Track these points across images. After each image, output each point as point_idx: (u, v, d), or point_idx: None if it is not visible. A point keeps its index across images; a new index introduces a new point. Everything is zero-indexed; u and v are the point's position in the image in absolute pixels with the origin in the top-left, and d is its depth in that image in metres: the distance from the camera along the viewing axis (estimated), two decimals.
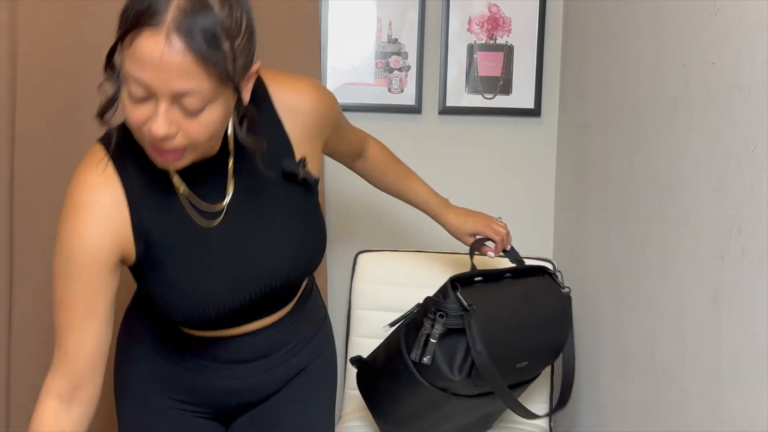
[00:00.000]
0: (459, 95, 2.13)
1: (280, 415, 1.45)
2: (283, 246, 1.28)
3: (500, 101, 2.13)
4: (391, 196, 1.77)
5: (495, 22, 2.11)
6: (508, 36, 2.12)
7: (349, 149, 1.58)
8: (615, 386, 1.68)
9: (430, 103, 2.14)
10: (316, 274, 2.08)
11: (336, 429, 1.95)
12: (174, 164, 1.12)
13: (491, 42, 2.12)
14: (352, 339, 2.00)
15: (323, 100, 1.32)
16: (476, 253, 1.69)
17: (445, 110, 2.13)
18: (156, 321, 1.36)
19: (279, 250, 1.28)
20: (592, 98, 1.89)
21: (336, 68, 2.10)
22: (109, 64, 1.08)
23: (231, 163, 1.22)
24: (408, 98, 2.12)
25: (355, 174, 1.68)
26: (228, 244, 1.24)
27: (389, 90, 2.12)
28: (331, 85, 2.10)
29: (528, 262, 2.02)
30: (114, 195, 1.18)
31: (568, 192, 2.08)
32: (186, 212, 1.21)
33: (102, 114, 1.12)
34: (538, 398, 1.97)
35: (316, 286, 1.54)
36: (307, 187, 1.29)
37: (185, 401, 1.40)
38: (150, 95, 1.03)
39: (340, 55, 2.10)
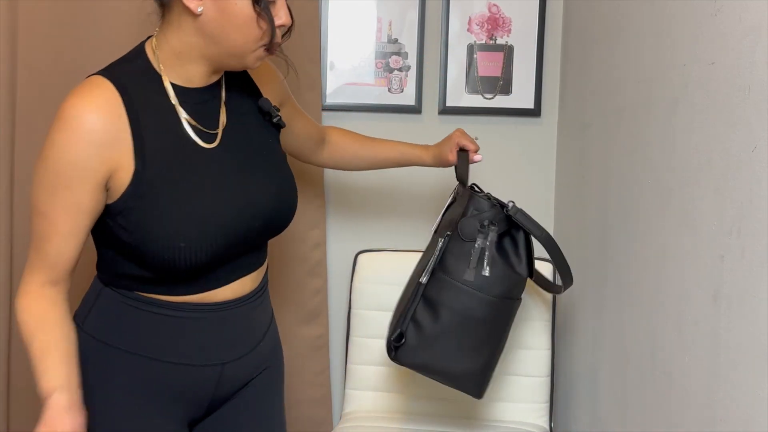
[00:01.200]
0: (459, 95, 2.13)
1: (240, 417, 1.47)
2: (269, 181, 1.39)
3: (500, 101, 2.13)
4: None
5: (495, 22, 2.11)
6: (508, 36, 2.12)
7: (307, 133, 1.67)
8: (615, 386, 1.68)
9: (430, 103, 2.14)
10: (316, 273, 2.10)
11: (335, 429, 1.95)
12: (264, 59, 1.32)
13: (491, 42, 2.12)
14: (353, 339, 2.00)
15: (275, 70, 1.54)
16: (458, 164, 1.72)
17: (445, 110, 2.13)
18: (130, 314, 1.34)
19: (265, 184, 1.38)
20: (592, 98, 1.89)
21: (336, 68, 2.10)
22: (259, 2, 1.24)
23: (223, 95, 1.37)
24: (408, 98, 2.12)
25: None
26: (222, 170, 1.33)
27: (389, 90, 2.12)
28: (331, 85, 2.10)
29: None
30: (113, 110, 1.23)
31: (568, 192, 2.08)
32: (184, 135, 1.30)
33: (273, 41, 1.29)
34: (537, 398, 1.97)
35: (269, 296, 1.54)
36: (278, 136, 1.46)
37: (163, 402, 1.37)
38: None
39: (340, 55, 2.10)
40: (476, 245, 1.55)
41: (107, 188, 1.25)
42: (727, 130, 1.21)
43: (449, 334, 1.58)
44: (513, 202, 1.57)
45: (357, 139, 1.77)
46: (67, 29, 1.86)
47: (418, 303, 1.59)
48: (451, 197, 1.73)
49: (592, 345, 1.84)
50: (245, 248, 1.38)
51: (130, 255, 1.30)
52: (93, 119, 1.21)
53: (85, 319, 1.37)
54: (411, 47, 2.11)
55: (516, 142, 2.17)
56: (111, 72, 1.28)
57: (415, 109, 2.13)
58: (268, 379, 1.52)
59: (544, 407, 1.98)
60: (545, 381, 1.98)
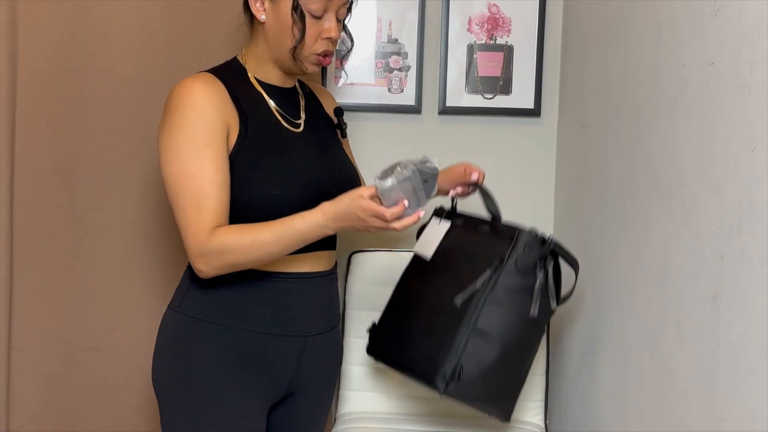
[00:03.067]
0: (459, 95, 2.13)
1: (308, 404, 1.63)
2: (342, 164, 1.64)
3: (500, 101, 2.13)
4: None
5: (495, 22, 2.11)
6: (508, 36, 2.12)
7: None
8: (615, 386, 1.68)
9: (430, 103, 2.14)
10: None
11: (333, 430, 1.95)
12: (320, 67, 1.57)
13: (491, 42, 2.12)
14: (348, 340, 1.99)
15: (334, 100, 1.79)
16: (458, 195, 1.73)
17: (445, 110, 2.13)
18: (223, 289, 1.49)
19: (340, 165, 1.62)
20: (592, 98, 1.89)
21: (336, 68, 2.10)
22: (296, 11, 1.49)
23: (302, 100, 1.65)
24: (408, 98, 2.12)
25: None
26: (306, 146, 1.58)
27: (389, 90, 2.12)
28: (331, 85, 2.10)
29: None
30: (217, 86, 1.49)
31: (568, 192, 2.08)
32: (274, 117, 1.55)
33: (294, 49, 1.51)
34: (533, 396, 1.97)
35: (338, 288, 1.69)
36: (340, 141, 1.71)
37: (251, 377, 1.50)
38: (325, 11, 1.50)
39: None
40: (538, 282, 1.62)
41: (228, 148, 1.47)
42: (727, 130, 1.21)
43: (506, 363, 1.62)
44: (551, 235, 1.67)
45: None
46: (67, 29, 1.86)
47: (470, 333, 1.59)
48: (438, 222, 1.77)
49: (592, 344, 1.84)
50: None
51: (231, 217, 1.47)
52: (208, 90, 1.47)
53: (181, 303, 1.54)
54: (411, 47, 2.11)
55: (516, 142, 2.17)
56: (208, 70, 1.55)
57: (415, 109, 2.13)
58: (332, 380, 1.70)
59: (539, 405, 1.98)
60: (540, 379, 1.98)
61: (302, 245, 1.44)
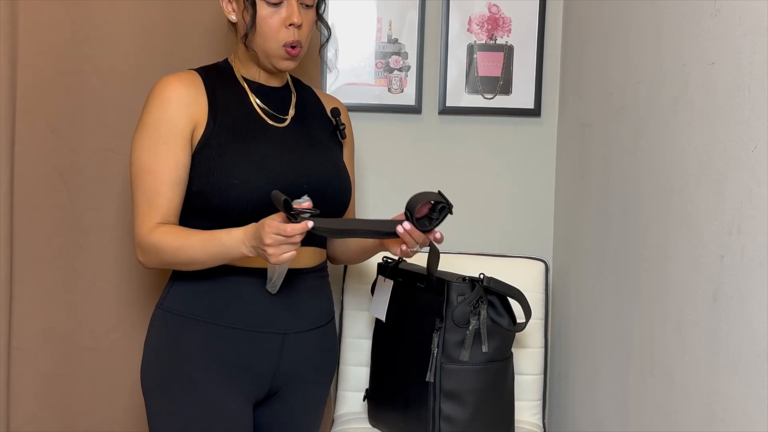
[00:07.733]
0: (459, 95, 2.12)
1: (297, 404, 1.61)
2: (326, 160, 1.61)
3: (500, 101, 2.13)
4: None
5: (495, 22, 2.11)
6: (508, 36, 2.12)
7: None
8: (615, 386, 1.68)
9: (430, 103, 2.14)
10: None
11: (330, 431, 1.95)
12: (293, 62, 1.55)
13: (491, 42, 2.12)
14: (346, 340, 1.99)
15: (344, 107, 1.76)
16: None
17: (445, 110, 2.13)
18: (203, 285, 1.51)
19: (321, 162, 1.59)
20: (592, 98, 1.89)
21: (336, 68, 2.10)
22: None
23: (294, 97, 1.65)
24: (408, 98, 2.12)
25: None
26: (285, 141, 1.57)
27: (389, 90, 2.12)
28: (331, 85, 2.10)
29: (525, 261, 2.04)
30: (194, 81, 1.54)
31: (568, 192, 2.08)
32: (255, 113, 1.56)
33: (245, 35, 1.52)
34: (531, 396, 1.97)
35: (329, 286, 1.68)
36: (339, 142, 1.70)
37: (232, 372, 1.51)
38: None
39: (340, 55, 2.10)
40: (470, 327, 1.64)
41: (191, 144, 1.50)
42: (727, 130, 1.21)
43: (481, 412, 1.68)
44: (482, 273, 1.68)
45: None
46: (67, 29, 1.86)
47: (440, 400, 1.67)
48: (383, 280, 1.81)
49: (592, 344, 1.84)
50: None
51: (196, 208, 1.51)
52: (180, 86, 1.51)
53: (164, 300, 1.57)
54: (411, 47, 2.11)
55: (516, 142, 2.17)
56: (195, 68, 1.59)
57: (415, 109, 2.13)
58: (323, 380, 1.67)
59: (537, 405, 1.98)
60: (538, 379, 1.97)
61: (224, 258, 1.45)
